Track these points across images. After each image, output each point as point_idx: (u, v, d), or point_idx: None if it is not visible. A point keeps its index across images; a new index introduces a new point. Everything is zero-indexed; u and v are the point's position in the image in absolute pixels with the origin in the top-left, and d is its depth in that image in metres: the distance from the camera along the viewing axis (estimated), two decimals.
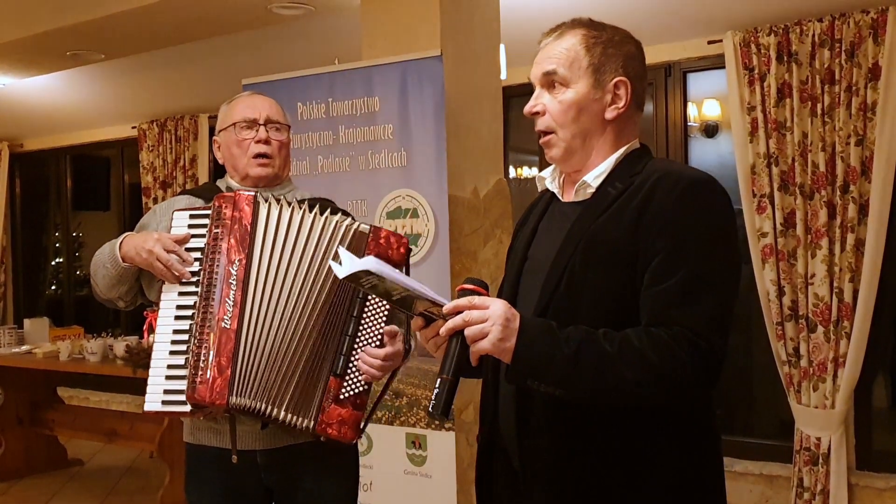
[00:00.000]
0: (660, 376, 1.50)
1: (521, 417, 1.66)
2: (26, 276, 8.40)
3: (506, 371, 1.58)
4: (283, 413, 2.05)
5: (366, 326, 2.08)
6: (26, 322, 6.14)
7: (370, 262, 1.50)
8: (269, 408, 2.04)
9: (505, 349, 1.51)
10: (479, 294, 1.55)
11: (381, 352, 2.06)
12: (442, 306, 1.54)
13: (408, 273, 2.07)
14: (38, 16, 5.01)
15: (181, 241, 2.11)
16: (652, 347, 1.50)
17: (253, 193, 2.13)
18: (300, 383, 2.06)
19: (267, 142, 2.27)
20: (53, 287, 8.41)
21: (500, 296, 1.80)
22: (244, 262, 2.06)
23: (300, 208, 2.12)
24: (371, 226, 2.13)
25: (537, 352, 1.51)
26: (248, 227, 2.08)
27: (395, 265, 2.00)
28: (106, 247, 2.23)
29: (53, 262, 8.40)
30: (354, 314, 2.07)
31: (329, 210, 2.19)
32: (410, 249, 2.18)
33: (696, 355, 1.50)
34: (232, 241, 2.07)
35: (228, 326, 2.02)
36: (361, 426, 2.09)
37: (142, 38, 5.13)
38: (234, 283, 2.04)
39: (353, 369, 2.07)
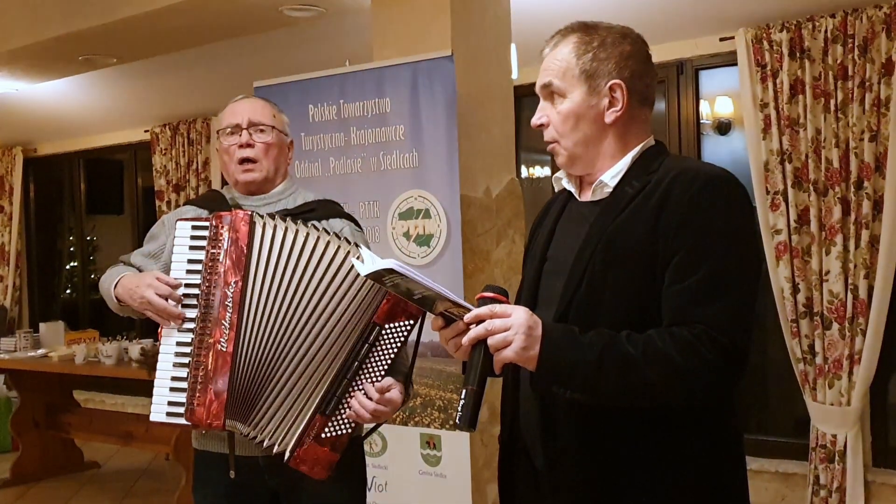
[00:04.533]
0: (685, 376, 1.50)
1: (544, 418, 1.65)
2: (41, 280, 8.46)
3: (530, 378, 1.58)
4: (266, 439, 2.06)
5: (367, 372, 2.03)
6: (42, 326, 6.15)
7: (392, 262, 1.51)
8: (257, 433, 2.06)
9: (529, 357, 1.51)
10: (500, 302, 1.54)
11: (377, 396, 2.01)
12: (464, 307, 1.54)
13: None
14: (50, 21, 5.04)
15: (175, 287, 2.09)
16: (676, 348, 1.49)
17: (249, 213, 2.12)
18: (288, 412, 2.06)
19: (250, 145, 2.26)
20: (68, 291, 8.47)
21: (519, 297, 1.79)
22: (240, 284, 2.05)
23: (295, 226, 2.10)
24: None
25: (561, 358, 1.51)
26: (245, 248, 2.07)
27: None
28: (106, 280, 2.25)
29: (68, 266, 8.45)
30: (358, 358, 2.03)
31: (328, 217, 2.21)
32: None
33: (720, 353, 1.50)
34: (228, 262, 2.06)
35: (225, 349, 2.02)
36: (333, 467, 2.06)
37: (153, 41, 5.14)
38: (231, 305, 2.04)
39: (342, 411, 2.05)
